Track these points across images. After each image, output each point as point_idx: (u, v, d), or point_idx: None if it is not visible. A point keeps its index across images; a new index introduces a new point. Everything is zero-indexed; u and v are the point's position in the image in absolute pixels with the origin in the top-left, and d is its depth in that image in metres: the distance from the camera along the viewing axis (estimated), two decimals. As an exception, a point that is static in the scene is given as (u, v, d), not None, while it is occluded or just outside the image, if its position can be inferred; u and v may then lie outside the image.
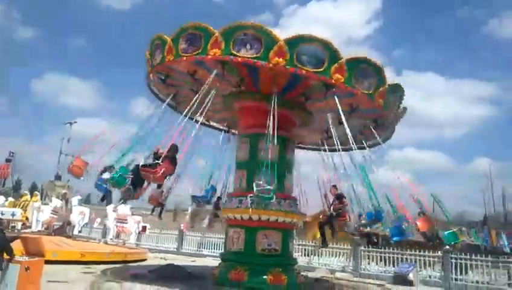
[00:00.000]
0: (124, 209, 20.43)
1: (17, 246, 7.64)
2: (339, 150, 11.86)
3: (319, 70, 9.81)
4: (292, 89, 11.34)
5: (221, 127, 15.34)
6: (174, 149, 10.44)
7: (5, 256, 7.20)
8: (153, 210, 13.40)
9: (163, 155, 10.19)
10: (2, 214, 17.82)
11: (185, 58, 10.29)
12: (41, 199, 22.31)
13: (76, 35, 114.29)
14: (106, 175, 10.36)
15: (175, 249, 22.86)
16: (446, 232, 10.90)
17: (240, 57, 9.69)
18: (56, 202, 20.32)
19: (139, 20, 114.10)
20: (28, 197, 20.54)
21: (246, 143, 12.38)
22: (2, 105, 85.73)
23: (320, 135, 14.14)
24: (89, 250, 15.78)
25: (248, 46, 9.65)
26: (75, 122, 40.90)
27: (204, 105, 10.65)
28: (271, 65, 9.64)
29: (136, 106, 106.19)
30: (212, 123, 15.14)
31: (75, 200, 21.42)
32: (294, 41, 9.67)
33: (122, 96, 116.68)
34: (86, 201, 32.34)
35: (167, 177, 10.92)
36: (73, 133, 39.94)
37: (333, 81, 9.93)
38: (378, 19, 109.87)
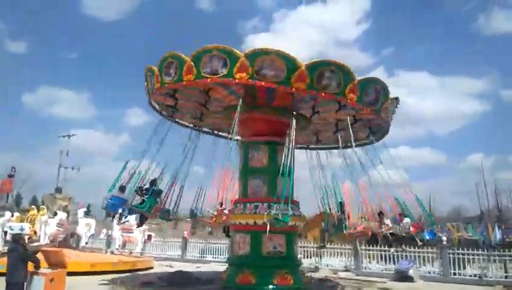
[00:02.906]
0: (129, 219, 20.81)
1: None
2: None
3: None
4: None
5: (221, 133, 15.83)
6: (153, 184, 11.75)
7: (30, 268, 7.65)
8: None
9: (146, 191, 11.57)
10: (11, 229, 18.19)
11: (209, 80, 10.50)
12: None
13: (67, 48, 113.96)
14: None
15: (179, 256, 23.25)
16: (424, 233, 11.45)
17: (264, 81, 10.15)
18: (61, 215, 20.66)
19: (129, 30, 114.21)
20: (35, 211, 20.90)
21: (242, 152, 13.08)
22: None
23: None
24: (98, 260, 16.20)
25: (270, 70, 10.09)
26: (73, 135, 40.98)
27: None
28: (294, 89, 10.24)
29: (130, 116, 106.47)
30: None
31: (80, 212, 21.82)
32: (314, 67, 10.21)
33: (116, 107, 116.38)
34: (86, 212, 32.61)
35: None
36: (68, 145, 39.91)
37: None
38: (368, 20, 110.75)
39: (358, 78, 10.56)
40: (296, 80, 10.08)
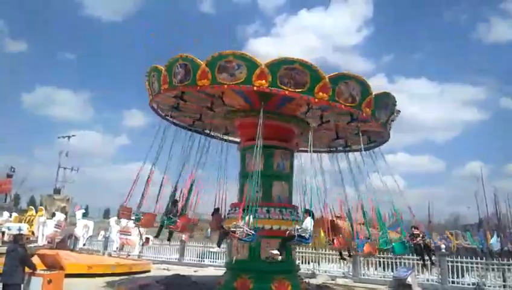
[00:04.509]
0: (128, 221, 20.73)
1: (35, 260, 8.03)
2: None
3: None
4: (284, 105, 12.03)
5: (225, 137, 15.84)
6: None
7: (27, 270, 7.62)
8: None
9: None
10: (9, 229, 18.14)
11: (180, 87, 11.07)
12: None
13: (67, 48, 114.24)
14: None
15: (177, 260, 23.12)
16: (395, 244, 11.29)
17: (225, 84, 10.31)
18: (59, 216, 20.63)
19: (130, 32, 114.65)
20: (34, 212, 20.86)
21: (240, 156, 13.15)
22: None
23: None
24: (96, 263, 16.15)
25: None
26: (73, 135, 41.02)
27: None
28: (255, 88, 10.25)
29: (129, 117, 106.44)
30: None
31: (79, 214, 21.77)
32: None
33: (115, 108, 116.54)
34: (84, 214, 32.65)
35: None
36: (67, 146, 39.90)
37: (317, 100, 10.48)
38: (369, 26, 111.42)
39: (328, 75, 10.39)
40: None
